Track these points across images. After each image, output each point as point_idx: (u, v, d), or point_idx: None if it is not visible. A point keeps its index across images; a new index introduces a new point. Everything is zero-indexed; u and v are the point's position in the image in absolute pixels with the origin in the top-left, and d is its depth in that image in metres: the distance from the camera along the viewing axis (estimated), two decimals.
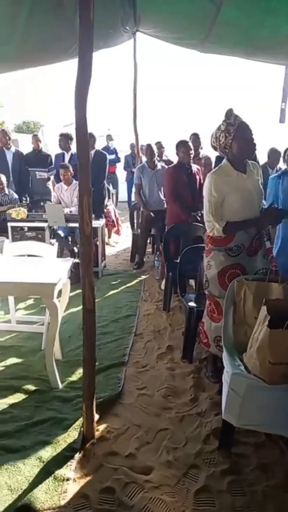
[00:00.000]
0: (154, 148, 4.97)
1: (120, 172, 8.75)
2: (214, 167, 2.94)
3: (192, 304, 2.74)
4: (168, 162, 5.91)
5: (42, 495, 1.63)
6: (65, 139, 5.34)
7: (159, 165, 4.96)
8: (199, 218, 3.71)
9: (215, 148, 2.25)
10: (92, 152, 4.86)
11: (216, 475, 1.76)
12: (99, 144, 6.67)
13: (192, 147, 3.96)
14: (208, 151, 4.85)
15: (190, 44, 3.84)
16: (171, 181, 3.96)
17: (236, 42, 3.33)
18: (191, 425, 2.09)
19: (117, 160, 8.68)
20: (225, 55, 3.92)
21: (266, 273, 2.22)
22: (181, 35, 3.70)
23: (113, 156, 8.31)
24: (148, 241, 5.97)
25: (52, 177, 5.94)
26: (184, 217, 3.83)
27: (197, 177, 4.00)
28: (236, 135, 2.09)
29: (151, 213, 4.78)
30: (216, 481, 1.73)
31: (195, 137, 4.89)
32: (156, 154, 5.12)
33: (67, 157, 5.39)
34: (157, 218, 4.72)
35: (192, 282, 3.48)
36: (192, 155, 3.95)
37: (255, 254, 2.29)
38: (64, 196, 4.82)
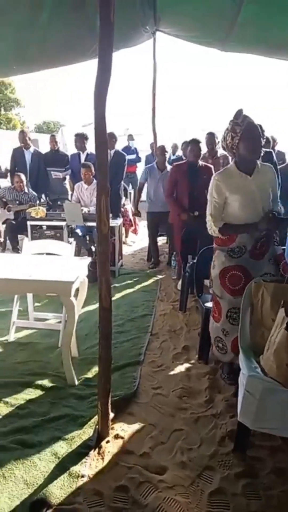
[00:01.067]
0: (169, 149, 5.00)
1: (141, 172, 8.76)
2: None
3: (208, 304, 2.72)
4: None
5: (57, 491, 1.65)
6: (80, 139, 5.40)
7: (169, 167, 4.95)
8: (191, 218, 3.78)
9: (224, 149, 2.25)
10: (112, 152, 4.89)
11: (230, 477, 1.75)
12: (120, 144, 6.71)
13: (201, 146, 3.97)
14: None
15: (210, 43, 3.82)
16: (170, 180, 4.08)
17: (257, 40, 3.29)
18: (206, 427, 2.08)
19: (138, 160, 8.68)
20: (246, 53, 3.87)
21: (273, 277, 2.20)
22: (202, 34, 3.68)
23: (133, 156, 8.32)
24: (165, 240, 6.00)
25: (67, 177, 6.00)
26: (178, 215, 3.88)
27: (205, 176, 3.97)
28: (242, 136, 2.08)
29: (155, 214, 4.82)
30: (230, 483, 1.71)
31: (210, 136, 4.86)
32: (169, 155, 5.11)
33: (82, 157, 5.44)
34: (163, 218, 4.73)
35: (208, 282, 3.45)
36: (200, 154, 3.98)
37: (261, 258, 2.25)
38: (84, 195, 4.86)
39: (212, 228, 2.25)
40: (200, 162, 4.01)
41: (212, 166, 4.08)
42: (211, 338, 2.42)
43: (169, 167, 4.95)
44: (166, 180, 4.68)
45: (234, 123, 2.09)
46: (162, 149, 4.92)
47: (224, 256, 2.25)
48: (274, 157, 4.16)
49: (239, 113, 2.10)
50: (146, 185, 5.13)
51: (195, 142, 3.94)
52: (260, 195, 2.17)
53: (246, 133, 2.07)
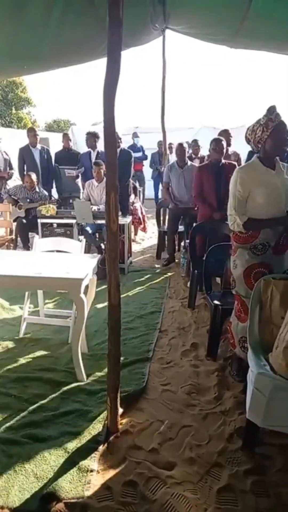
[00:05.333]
0: (186, 146, 4.98)
1: (147, 170, 8.76)
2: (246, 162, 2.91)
3: (217, 302, 2.72)
4: (203, 159, 5.89)
5: (67, 485, 1.67)
6: (91, 137, 5.42)
7: (189, 163, 4.95)
8: (225, 217, 3.69)
9: (248, 141, 2.23)
10: (118, 150, 4.90)
11: (239, 474, 1.75)
12: (126, 142, 6.71)
13: (223, 144, 3.94)
14: (238, 148, 4.80)
15: (220, 40, 3.79)
16: (197, 182, 4.05)
17: (268, 35, 3.26)
18: (214, 423, 2.08)
19: (144, 157, 8.68)
20: (255, 50, 3.84)
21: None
22: (212, 30, 3.65)
23: (139, 154, 8.33)
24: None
25: (80, 175, 6.04)
26: (211, 215, 3.83)
27: (230, 175, 3.95)
28: (273, 132, 2.07)
29: (179, 209, 4.80)
30: (239, 480, 1.72)
31: (226, 133, 4.83)
32: (188, 153, 5.10)
33: (93, 155, 5.47)
34: (184, 215, 4.74)
35: (218, 280, 3.45)
36: (224, 152, 3.93)
37: (283, 253, 2.24)
38: (94, 193, 4.88)
39: (236, 222, 2.20)
40: (224, 161, 3.98)
41: (235, 163, 4.04)
42: (235, 339, 2.39)
43: (189, 162, 4.95)
44: (189, 176, 4.71)
45: (269, 119, 2.08)
46: (181, 146, 4.91)
47: (247, 253, 2.23)
48: None
49: (272, 109, 2.09)
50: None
51: (217, 141, 3.87)
52: (284, 190, 2.16)
53: (276, 130, 2.07)
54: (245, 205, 2.18)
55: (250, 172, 2.17)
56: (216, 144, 3.87)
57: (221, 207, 3.77)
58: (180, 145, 4.93)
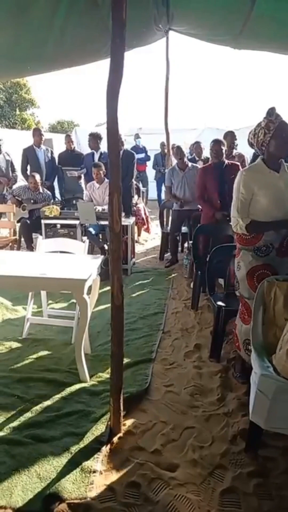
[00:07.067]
0: (185, 149, 5.00)
1: (150, 171, 8.76)
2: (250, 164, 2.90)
3: (220, 303, 2.72)
4: (206, 161, 5.88)
5: (70, 485, 1.67)
6: (94, 138, 5.44)
7: (190, 165, 4.95)
8: (228, 218, 3.69)
9: (251, 145, 2.23)
10: (121, 151, 4.92)
11: (242, 476, 1.74)
12: (129, 143, 6.71)
13: (225, 145, 3.95)
14: (242, 149, 4.78)
15: (223, 41, 3.79)
16: (199, 183, 4.07)
17: (271, 36, 3.25)
18: (217, 425, 2.08)
19: (147, 158, 8.68)
20: (259, 50, 3.83)
21: None
22: (215, 31, 3.65)
23: (142, 155, 8.33)
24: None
25: (83, 176, 6.06)
26: (214, 216, 3.83)
27: (232, 176, 3.96)
28: (275, 133, 2.07)
29: (183, 211, 4.82)
30: (242, 482, 1.71)
31: (232, 135, 4.83)
32: (191, 155, 5.10)
33: (96, 156, 5.48)
34: (189, 216, 4.74)
35: (221, 281, 3.44)
36: (223, 154, 3.95)
37: (287, 255, 2.23)
38: (96, 194, 4.89)
39: (239, 224, 2.18)
40: (227, 161, 3.98)
41: (239, 164, 4.05)
42: (238, 340, 2.37)
43: (190, 164, 4.96)
44: (191, 178, 4.74)
45: (269, 120, 2.08)
46: (177, 150, 4.93)
47: (250, 255, 2.22)
48: None
49: (272, 111, 2.08)
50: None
51: (216, 142, 3.91)
52: (287, 192, 2.15)
53: (278, 131, 2.06)
54: (248, 208, 2.17)
55: (253, 175, 2.16)
56: (213, 146, 3.90)
57: (224, 208, 3.77)
58: (178, 147, 4.95)
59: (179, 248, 5.39)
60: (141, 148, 8.50)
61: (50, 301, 3.57)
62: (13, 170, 5.76)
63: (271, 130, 2.07)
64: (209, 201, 3.99)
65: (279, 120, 2.07)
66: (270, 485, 1.70)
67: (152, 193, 8.95)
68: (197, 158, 6.28)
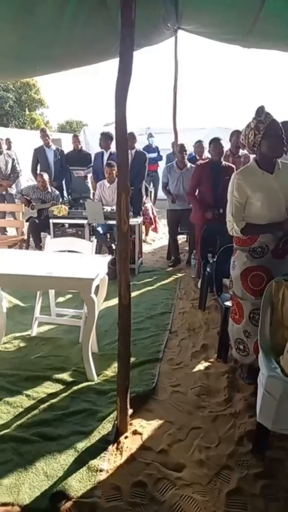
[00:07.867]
0: (189, 147, 5.01)
1: (162, 171, 8.73)
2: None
3: (228, 303, 2.70)
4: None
5: (76, 484, 1.68)
6: (105, 138, 5.44)
7: (189, 165, 4.93)
8: (216, 216, 3.78)
9: (243, 146, 2.20)
10: (133, 151, 4.92)
11: (249, 478, 1.73)
12: (141, 142, 6.70)
13: (222, 145, 4.00)
14: None
15: (233, 40, 3.77)
16: (195, 176, 4.09)
17: (280, 35, 3.22)
18: (224, 426, 2.07)
19: (159, 158, 8.65)
20: (268, 49, 3.80)
21: None
22: (224, 30, 3.63)
23: (154, 155, 8.31)
24: (185, 239, 5.99)
25: (89, 175, 6.07)
26: (202, 214, 3.89)
27: (227, 177, 3.96)
28: (265, 133, 2.03)
29: (176, 212, 4.86)
30: (248, 484, 1.70)
31: (238, 134, 4.80)
32: (186, 154, 5.07)
33: (106, 156, 5.49)
34: (184, 216, 4.73)
35: (227, 281, 3.42)
36: (223, 153, 4.01)
37: (283, 257, 2.21)
38: (106, 193, 4.90)
39: (233, 228, 2.19)
40: (224, 162, 4.00)
41: (234, 166, 4.05)
42: (230, 339, 2.39)
43: (189, 164, 4.94)
44: (188, 178, 4.70)
45: (258, 121, 2.04)
46: (181, 147, 4.92)
47: (245, 256, 2.21)
48: None
49: (261, 110, 2.04)
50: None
51: (217, 141, 3.94)
52: (282, 194, 2.12)
53: (269, 131, 2.02)
54: (243, 211, 2.16)
55: (246, 177, 2.14)
56: (213, 145, 3.91)
57: (216, 206, 3.79)
58: (181, 146, 4.94)
59: (187, 248, 5.38)
60: (153, 148, 8.48)
61: (58, 300, 3.59)
62: (15, 170, 5.79)
63: (261, 131, 2.03)
64: (200, 198, 4.00)
65: (269, 120, 2.02)
66: (277, 486, 1.69)
67: (162, 193, 8.91)
68: (198, 157, 6.22)
